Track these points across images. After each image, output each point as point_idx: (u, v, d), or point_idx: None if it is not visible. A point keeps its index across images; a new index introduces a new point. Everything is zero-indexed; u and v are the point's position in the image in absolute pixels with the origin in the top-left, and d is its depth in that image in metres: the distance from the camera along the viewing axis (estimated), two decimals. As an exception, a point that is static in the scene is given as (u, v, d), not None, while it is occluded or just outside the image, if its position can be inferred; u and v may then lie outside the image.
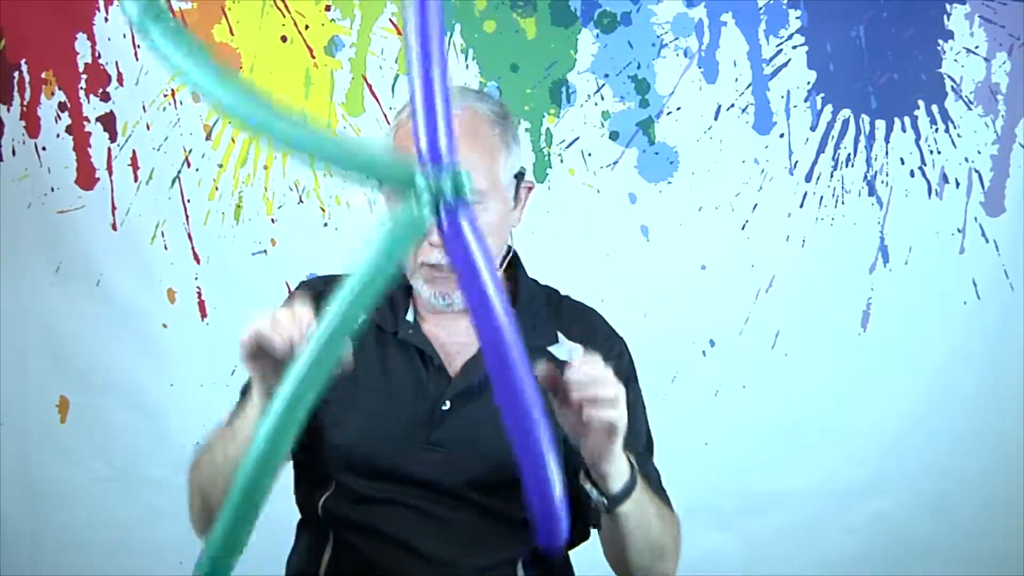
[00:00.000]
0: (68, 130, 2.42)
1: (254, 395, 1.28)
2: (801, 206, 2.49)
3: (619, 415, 1.19)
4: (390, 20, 2.44)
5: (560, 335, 1.42)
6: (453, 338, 1.50)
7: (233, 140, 2.43)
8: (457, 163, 0.94)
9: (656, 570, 1.39)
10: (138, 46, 2.41)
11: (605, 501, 1.29)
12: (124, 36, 2.40)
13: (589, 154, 2.47)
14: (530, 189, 1.53)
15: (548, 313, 1.52)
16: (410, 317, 1.50)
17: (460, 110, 1.43)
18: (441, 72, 0.94)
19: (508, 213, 1.50)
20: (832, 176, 2.49)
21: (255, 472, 0.94)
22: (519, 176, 1.50)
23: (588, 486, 1.29)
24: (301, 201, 2.44)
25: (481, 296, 0.95)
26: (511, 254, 1.55)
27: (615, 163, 2.47)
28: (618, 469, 1.26)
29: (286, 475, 1.50)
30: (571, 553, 1.57)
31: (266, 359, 1.20)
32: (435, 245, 1.40)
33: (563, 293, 1.59)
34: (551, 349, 1.35)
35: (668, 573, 1.42)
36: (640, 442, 1.47)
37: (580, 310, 1.57)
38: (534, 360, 0.99)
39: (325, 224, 2.45)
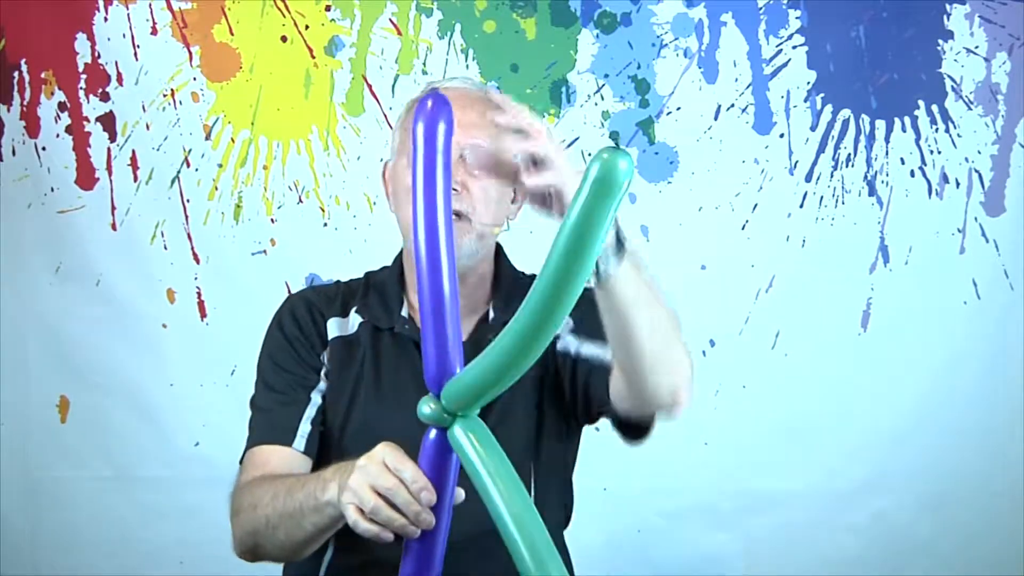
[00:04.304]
0: (68, 130, 2.42)
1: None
2: (801, 206, 2.49)
3: (554, 176, 1.21)
4: (390, 20, 2.44)
5: None
6: None
7: (233, 140, 2.43)
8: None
9: (669, 359, 1.35)
10: (137, 46, 2.41)
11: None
12: (124, 36, 2.40)
13: (589, 154, 2.45)
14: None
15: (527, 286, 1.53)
16: (404, 312, 1.51)
17: (464, 83, 1.50)
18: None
19: (504, 194, 1.49)
20: (832, 176, 2.49)
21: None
22: None
23: None
24: (301, 201, 2.44)
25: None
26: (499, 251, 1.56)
27: (615, 163, 2.46)
28: None
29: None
30: (570, 551, 1.57)
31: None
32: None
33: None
34: None
35: (683, 372, 1.37)
36: None
37: None
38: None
39: (325, 224, 2.45)
